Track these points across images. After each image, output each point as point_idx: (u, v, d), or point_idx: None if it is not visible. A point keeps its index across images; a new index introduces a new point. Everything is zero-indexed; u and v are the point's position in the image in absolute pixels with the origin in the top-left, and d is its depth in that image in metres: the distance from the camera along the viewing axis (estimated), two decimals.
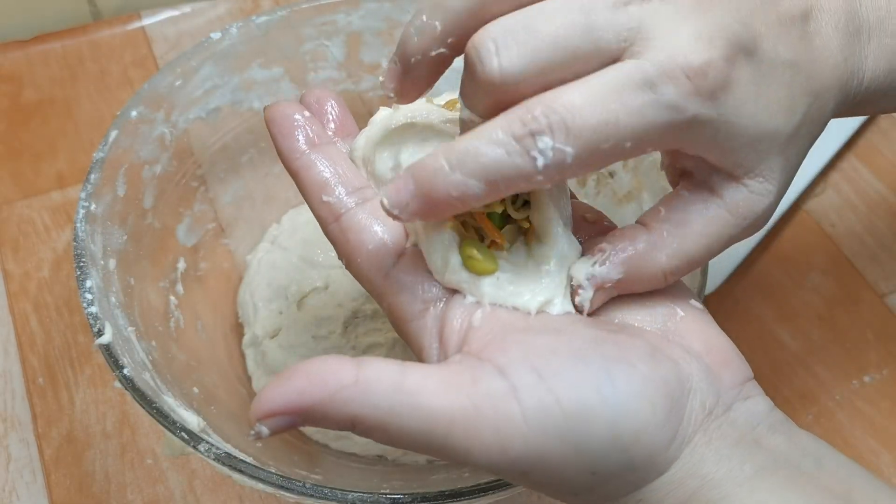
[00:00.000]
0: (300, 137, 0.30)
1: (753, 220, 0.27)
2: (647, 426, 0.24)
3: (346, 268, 0.29)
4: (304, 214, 0.51)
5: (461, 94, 0.25)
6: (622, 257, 0.27)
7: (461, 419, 0.23)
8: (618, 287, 0.27)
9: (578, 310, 0.27)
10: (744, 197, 0.26)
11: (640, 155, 0.25)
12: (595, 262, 0.27)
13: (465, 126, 0.26)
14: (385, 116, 0.31)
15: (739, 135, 0.25)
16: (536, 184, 0.24)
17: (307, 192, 0.29)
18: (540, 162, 0.23)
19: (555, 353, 0.24)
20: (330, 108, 0.31)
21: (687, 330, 0.27)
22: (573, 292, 0.27)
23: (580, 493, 0.25)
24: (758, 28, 0.25)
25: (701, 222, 0.26)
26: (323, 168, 0.29)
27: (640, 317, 0.27)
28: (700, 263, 0.27)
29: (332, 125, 0.31)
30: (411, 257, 0.28)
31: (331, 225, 0.29)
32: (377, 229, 0.28)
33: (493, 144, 0.23)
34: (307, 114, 0.30)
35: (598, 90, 0.23)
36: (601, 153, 0.23)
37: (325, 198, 0.29)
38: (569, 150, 0.23)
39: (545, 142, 0.23)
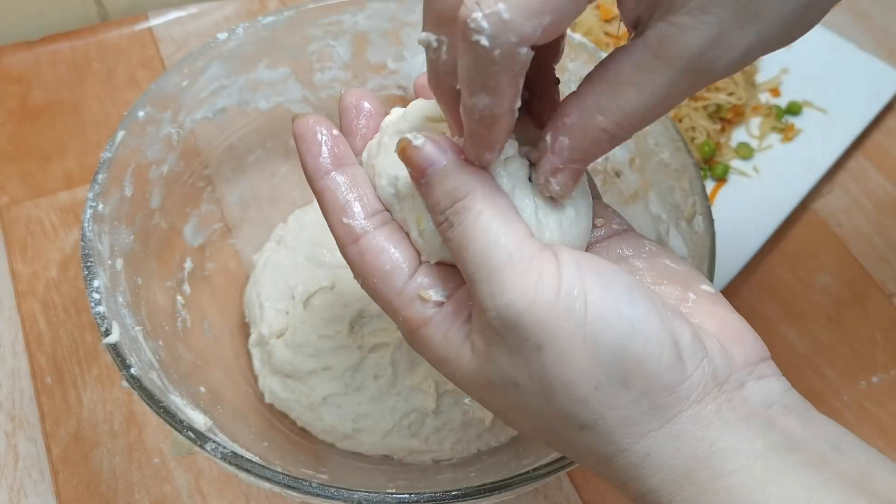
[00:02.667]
0: (326, 157, 0.31)
1: (685, 61, 0.25)
2: (650, 359, 0.25)
3: (362, 287, 0.30)
4: (311, 214, 0.51)
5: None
6: (562, 144, 0.27)
7: (516, 262, 0.25)
8: (573, 161, 0.28)
9: (557, 197, 0.29)
10: (667, 33, 0.25)
11: None
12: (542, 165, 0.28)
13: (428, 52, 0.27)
14: (395, 120, 0.31)
15: None
16: (504, 63, 0.23)
17: (328, 212, 0.30)
18: (483, 39, 0.23)
19: (595, 261, 0.26)
20: (366, 109, 0.32)
21: (699, 312, 0.28)
22: (543, 189, 0.28)
23: (586, 426, 0.26)
24: None
25: (629, 71, 0.26)
26: (345, 190, 0.30)
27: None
28: (647, 115, 0.26)
29: (363, 129, 0.32)
30: (424, 273, 0.29)
31: (349, 246, 0.30)
32: (393, 251, 0.29)
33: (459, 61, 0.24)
34: (335, 132, 0.31)
35: None
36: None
37: (345, 220, 0.30)
38: (500, 5, 0.22)
39: (475, 19, 0.23)
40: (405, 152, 0.27)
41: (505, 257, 0.25)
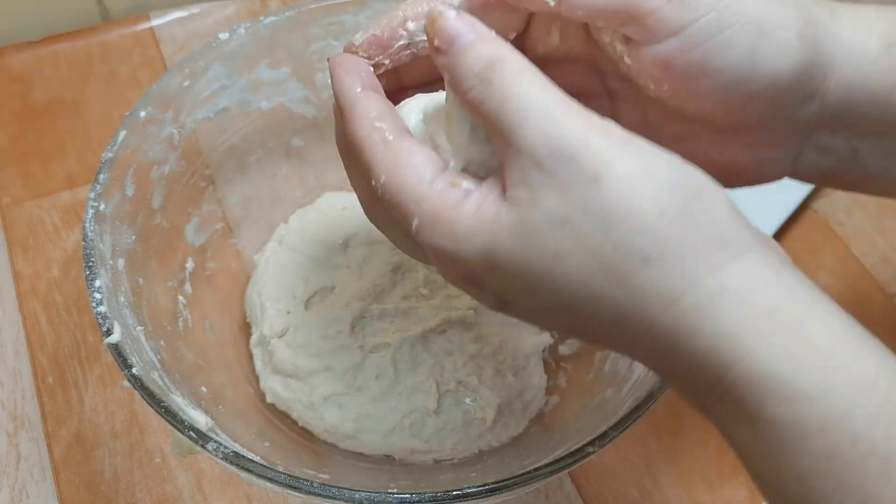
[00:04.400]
0: (363, 76, 0.31)
1: None
2: (711, 188, 0.25)
3: (385, 185, 0.28)
4: (312, 214, 0.51)
5: None
6: None
7: (568, 103, 0.25)
8: None
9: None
10: None
11: None
12: None
13: None
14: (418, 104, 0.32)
15: None
16: None
17: (361, 118, 0.29)
18: None
19: None
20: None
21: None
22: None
23: (651, 258, 0.24)
24: None
25: None
26: (380, 105, 0.30)
27: None
28: None
29: None
30: (452, 172, 0.28)
31: (379, 145, 0.28)
32: (425, 150, 0.28)
33: None
34: (370, 68, 0.32)
35: None
36: None
37: (377, 123, 0.29)
38: None
39: None
40: (434, 23, 0.26)
41: (556, 99, 0.24)
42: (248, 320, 0.49)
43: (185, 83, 0.44)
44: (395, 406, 0.44)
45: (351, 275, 0.47)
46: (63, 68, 0.64)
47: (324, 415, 0.44)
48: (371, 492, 0.32)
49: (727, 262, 0.24)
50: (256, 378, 0.47)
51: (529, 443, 0.45)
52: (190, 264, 0.47)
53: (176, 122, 0.44)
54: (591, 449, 0.34)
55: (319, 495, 0.33)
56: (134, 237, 0.42)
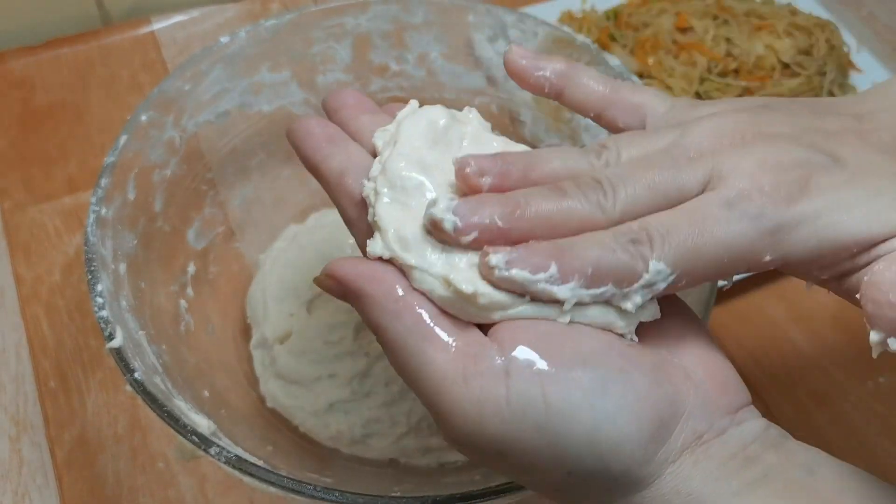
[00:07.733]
0: (321, 138, 0.32)
1: None
2: (628, 441, 0.25)
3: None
4: (330, 216, 0.51)
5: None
6: None
7: (451, 384, 0.25)
8: None
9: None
10: None
11: (738, 273, 0.27)
12: None
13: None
14: (409, 111, 0.31)
15: (830, 237, 0.26)
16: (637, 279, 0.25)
17: (327, 180, 0.31)
18: (640, 268, 0.25)
19: (561, 349, 0.25)
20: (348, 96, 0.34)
21: (690, 353, 0.28)
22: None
23: (561, 490, 0.26)
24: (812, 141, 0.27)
25: None
26: (342, 159, 0.31)
27: (648, 336, 0.28)
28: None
29: (350, 108, 0.33)
30: None
31: (349, 209, 0.30)
32: None
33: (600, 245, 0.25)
34: (324, 121, 0.33)
35: (686, 211, 0.26)
36: (697, 267, 0.25)
37: (347, 179, 0.30)
38: (662, 265, 0.25)
39: (645, 251, 0.25)
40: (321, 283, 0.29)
41: (439, 379, 0.25)
42: (248, 321, 0.49)
43: (187, 87, 0.44)
44: (409, 410, 0.44)
45: None
46: (64, 72, 0.64)
47: (329, 421, 0.44)
48: (375, 495, 0.32)
49: (633, 492, 0.26)
50: (257, 380, 0.47)
51: None
52: (192, 268, 0.47)
53: (177, 126, 0.44)
54: None
55: (323, 499, 0.32)
56: (136, 241, 0.42)
